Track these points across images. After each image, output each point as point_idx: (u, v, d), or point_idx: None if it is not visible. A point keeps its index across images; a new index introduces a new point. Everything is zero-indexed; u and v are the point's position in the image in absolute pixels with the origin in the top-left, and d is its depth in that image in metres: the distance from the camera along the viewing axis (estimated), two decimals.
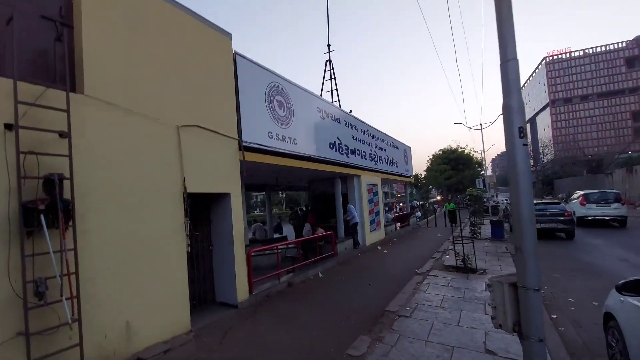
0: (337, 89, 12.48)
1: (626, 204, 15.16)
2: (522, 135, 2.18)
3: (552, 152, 61.22)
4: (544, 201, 13.36)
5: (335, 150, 9.84)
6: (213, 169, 5.51)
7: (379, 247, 11.81)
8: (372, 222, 12.48)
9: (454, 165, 34.55)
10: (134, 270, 4.07)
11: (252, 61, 6.70)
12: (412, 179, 20.01)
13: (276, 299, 6.19)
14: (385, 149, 14.77)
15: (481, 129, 25.57)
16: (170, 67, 4.89)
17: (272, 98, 7.17)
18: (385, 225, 14.59)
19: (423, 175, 36.67)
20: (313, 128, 8.75)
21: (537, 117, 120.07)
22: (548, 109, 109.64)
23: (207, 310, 5.66)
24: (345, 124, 10.75)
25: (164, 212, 4.56)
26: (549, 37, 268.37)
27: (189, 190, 4.92)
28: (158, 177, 4.51)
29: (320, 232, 9.42)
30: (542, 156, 55.22)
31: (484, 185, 34.03)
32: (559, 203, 12.52)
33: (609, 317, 3.25)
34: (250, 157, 6.43)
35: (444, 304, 5.09)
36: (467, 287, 5.83)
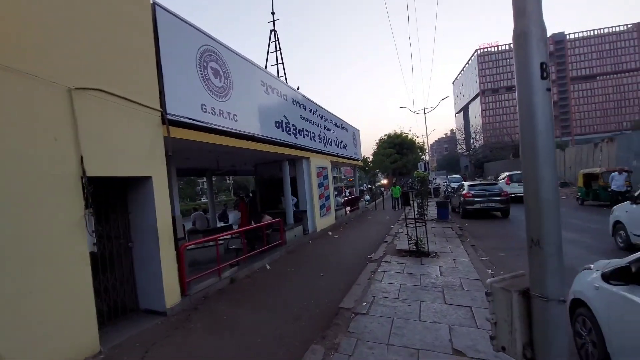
0: (283, 63, 11.45)
1: None
2: (544, 75, 1.53)
3: (482, 138, 67.02)
4: (483, 182, 14.08)
5: (282, 130, 8.98)
6: (126, 146, 4.35)
7: (330, 233, 11.39)
8: (322, 207, 11.97)
9: (398, 150, 35.70)
10: (5, 287, 2.92)
11: (177, 16, 5.48)
12: (361, 163, 19.96)
13: (215, 300, 5.32)
14: (335, 131, 14.24)
15: (424, 113, 26.45)
16: (63, 11, 3.59)
17: (205, 64, 6.03)
18: (336, 210, 14.24)
19: (370, 160, 37.39)
20: (256, 104, 7.76)
21: (469, 106, 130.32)
22: (479, 98, 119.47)
23: (126, 322, 4.60)
24: (293, 101, 9.88)
25: (51, 203, 3.38)
26: (483, 29, 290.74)
27: (90, 174, 3.76)
28: (38, 157, 3.30)
29: (268, 219, 8.60)
30: (474, 141, 60.19)
31: (426, 169, 35.88)
32: (496, 184, 13.26)
33: (577, 304, 2.99)
34: (179, 133, 5.32)
35: (402, 295, 4.70)
36: (422, 273, 5.56)
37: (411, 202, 6.78)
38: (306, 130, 10.70)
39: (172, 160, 6.81)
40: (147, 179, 4.75)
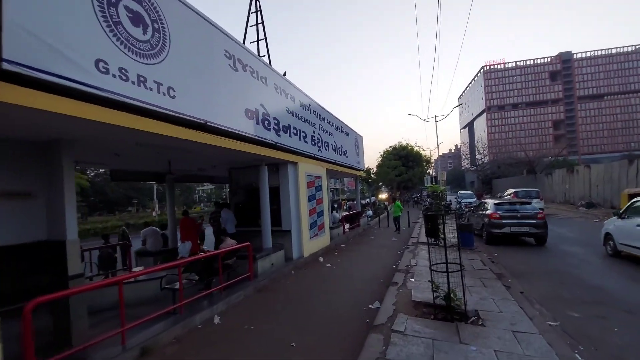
0: (266, 40, 9.13)
1: (543, 199, 19.54)
2: None
3: (490, 154, 64.77)
4: (512, 200, 11.62)
5: (258, 123, 6.64)
6: None
7: (321, 259, 8.90)
8: (312, 225, 9.52)
9: (404, 162, 33.25)
10: None
11: None
12: (363, 173, 17.54)
13: None
14: (334, 134, 11.91)
15: (435, 121, 24.15)
16: None
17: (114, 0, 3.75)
18: (332, 228, 11.78)
19: (374, 171, 34.82)
20: (215, 80, 5.44)
21: (474, 122, 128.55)
22: (484, 115, 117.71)
23: None
24: (276, 88, 7.58)
25: None
26: (489, 47, 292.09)
27: None
28: None
29: (229, 244, 6.16)
30: (482, 157, 57.84)
31: (433, 182, 33.40)
32: (529, 203, 10.79)
33: (607, 234, 8.01)
34: (27, 98, 2.98)
35: None
36: None
37: (442, 232, 4.33)
38: (294, 128, 8.36)
39: (65, 155, 4.46)
40: None
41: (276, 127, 7.40)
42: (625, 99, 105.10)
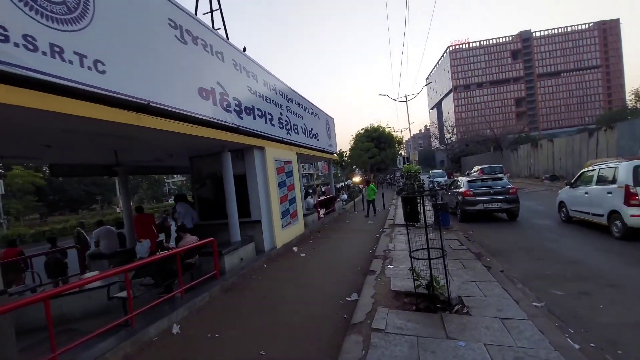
0: (221, 10, 8.14)
1: (508, 174, 20.78)
2: None
3: (456, 133, 66.61)
4: (484, 177, 11.65)
5: (216, 104, 5.91)
6: None
7: (296, 249, 8.45)
8: (284, 214, 9.00)
9: (376, 144, 33.19)
10: None
11: None
12: (336, 157, 17.09)
13: None
14: (303, 116, 11.27)
15: (406, 100, 24.00)
16: None
17: None
18: (306, 215, 11.33)
19: (348, 154, 34.49)
20: (158, 53, 4.64)
21: (442, 102, 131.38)
22: (451, 94, 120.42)
23: None
24: (235, 65, 6.81)
25: None
26: (456, 27, 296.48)
27: None
28: None
29: (189, 242, 5.52)
30: (450, 136, 59.27)
31: (406, 163, 33.72)
32: (501, 179, 10.83)
33: (561, 204, 9.01)
34: None
35: None
36: None
37: (423, 214, 3.95)
38: (258, 110, 7.66)
39: None
40: None
41: (237, 109, 6.69)
42: (580, 75, 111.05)
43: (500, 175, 13.37)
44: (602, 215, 7.22)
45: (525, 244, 7.20)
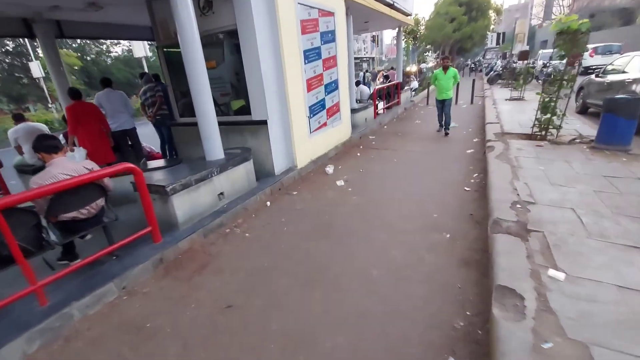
0: None
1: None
2: None
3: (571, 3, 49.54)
4: None
5: None
6: None
7: (329, 170, 5.05)
8: (315, 109, 5.30)
9: (466, 11, 24.31)
10: None
11: None
12: (411, 20, 11.58)
13: None
14: None
15: None
16: None
17: None
18: (355, 110, 7.49)
19: (424, 24, 26.12)
20: None
21: None
22: None
23: None
24: None
25: None
26: None
27: None
28: None
29: (61, 172, 2.39)
30: (561, 8, 44.34)
31: (500, 42, 25.23)
32: None
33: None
34: None
35: None
36: None
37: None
38: None
39: None
40: None
41: None
42: None
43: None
44: None
45: None
